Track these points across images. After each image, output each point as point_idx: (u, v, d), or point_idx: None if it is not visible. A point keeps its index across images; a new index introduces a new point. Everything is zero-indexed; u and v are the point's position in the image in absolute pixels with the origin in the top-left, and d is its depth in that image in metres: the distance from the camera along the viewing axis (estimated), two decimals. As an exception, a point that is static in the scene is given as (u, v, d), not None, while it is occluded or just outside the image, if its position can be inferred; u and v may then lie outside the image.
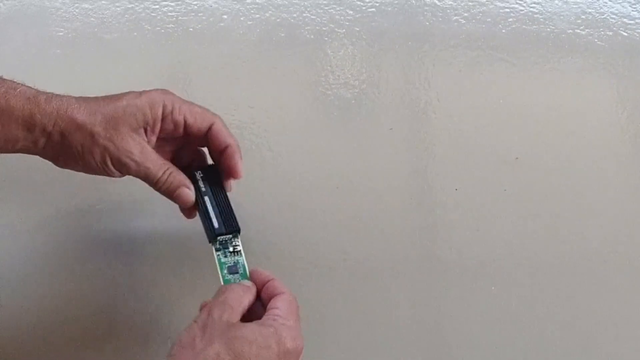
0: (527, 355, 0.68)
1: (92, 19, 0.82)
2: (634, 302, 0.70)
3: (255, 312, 0.60)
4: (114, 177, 0.64)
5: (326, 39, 0.82)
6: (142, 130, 0.64)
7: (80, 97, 0.63)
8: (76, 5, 0.82)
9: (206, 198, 0.66)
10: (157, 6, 0.83)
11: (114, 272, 0.71)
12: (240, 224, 0.66)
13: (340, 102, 0.80)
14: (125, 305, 0.70)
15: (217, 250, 0.65)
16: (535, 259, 0.72)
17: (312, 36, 0.82)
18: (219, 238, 0.64)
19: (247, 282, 0.62)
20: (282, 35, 0.82)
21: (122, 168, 0.63)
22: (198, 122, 0.65)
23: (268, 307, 0.59)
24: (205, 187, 0.66)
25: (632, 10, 0.86)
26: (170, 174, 0.64)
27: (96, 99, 0.64)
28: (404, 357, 0.68)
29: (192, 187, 0.65)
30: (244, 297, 0.60)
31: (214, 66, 0.81)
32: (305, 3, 0.84)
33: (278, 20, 0.83)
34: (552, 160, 0.77)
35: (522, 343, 0.68)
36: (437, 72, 0.81)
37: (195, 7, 0.83)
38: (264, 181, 0.75)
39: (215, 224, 0.65)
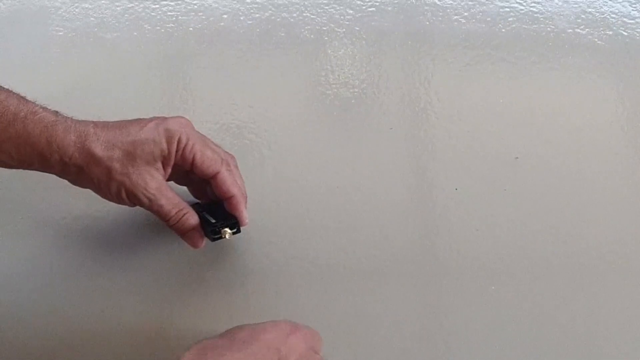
0: (527, 355, 0.68)
1: (92, 18, 0.82)
2: (634, 302, 0.70)
3: None
4: (126, 205, 0.65)
5: (326, 38, 0.82)
6: (159, 164, 0.64)
7: (98, 125, 0.63)
8: (76, 4, 0.83)
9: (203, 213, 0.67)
10: (157, 6, 0.83)
11: (115, 275, 0.71)
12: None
13: (340, 101, 0.80)
14: (128, 308, 0.70)
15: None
16: (535, 259, 0.72)
17: (312, 36, 0.82)
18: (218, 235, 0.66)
19: None
20: (282, 34, 0.82)
21: (136, 201, 0.64)
22: (205, 166, 0.65)
23: None
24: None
25: (632, 10, 0.86)
26: (183, 215, 0.65)
27: (114, 127, 0.63)
28: (404, 356, 0.67)
29: (202, 232, 0.66)
30: None
31: (214, 66, 0.81)
32: (305, 2, 0.84)
33: (278, 19, 0.83)
34: (552, 160, 0.77)
35: (522, 343, 0.68)
36: (437, 72, 0.81)
37: (195, 6, 0.83)
38: (264, 181, 0.75)
39: (212, 220, 0.66)
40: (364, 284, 0.70)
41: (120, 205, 0.65)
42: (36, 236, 0.72)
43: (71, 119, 0.62)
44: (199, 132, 0.66)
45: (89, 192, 0.65)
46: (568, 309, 0.69)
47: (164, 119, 0.65)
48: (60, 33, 0.81)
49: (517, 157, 0.77)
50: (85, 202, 0.71)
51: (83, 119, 0.64)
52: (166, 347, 0.68)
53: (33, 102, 0.62)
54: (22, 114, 0.60)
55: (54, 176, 0.64)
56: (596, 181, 0.76)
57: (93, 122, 0.63)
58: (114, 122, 0.64)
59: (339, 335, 0.68)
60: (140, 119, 0.65)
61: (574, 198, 0.75)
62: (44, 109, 0.62)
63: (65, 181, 0.65)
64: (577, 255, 0.72)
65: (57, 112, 0.62)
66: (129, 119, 0.65)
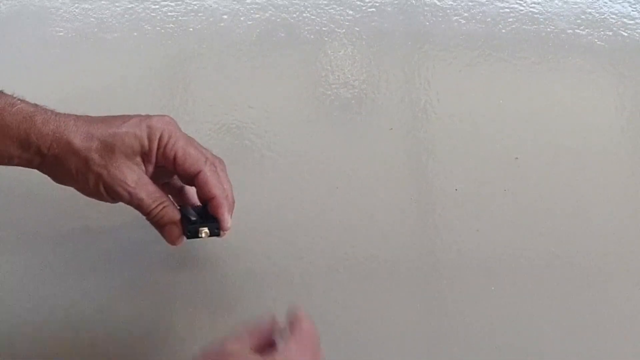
0: (527, 355, 0.67)
1: (92, 19, 0.82)
2: (634, 301, 0.70)
3: None
4: (107, 202, 0.63)
5: (326, 39, 0.82)
6: (139, 159, 0.62)
7: (80, 118, 0.61)
8: (76, 5, 0.83)
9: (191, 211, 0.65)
10: (157, 6, 0.83)
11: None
12: (239, 224, 0.66)
13: (340, 102, 0.80)
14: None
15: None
16: (535, 260, 0.71)
17: (312, 36, 0.83)
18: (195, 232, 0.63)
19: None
20: (282, 35, 0.83)
21: (115, 196, 0.62)
22: (187, 164, 0.62)
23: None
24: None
25: (632, 11, 0.86)
26: (163, 207, 0.63)
27: (97, 120, 0.62)
28: (404, 357, 0.67)
29: (181, 228, 0.63)
30: None
31: (214, 66, 0.81)
32: (305, 3, 0.84)
33: (278, 20, 0.83)
34: (552, 160, 0.77)
35: (522, 343, 0.68)
36: (437, 72, 0.81)
37: (195, 7, 0.84)
38: (264, 181, 0.75)
39: (193, 217, 0.63)
40: (363, 284, 0.70)
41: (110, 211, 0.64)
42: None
43: (52, 111, 0.61)
44: (184, 132, 0.64)
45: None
46: (568, 309, 0.69)
47: (148, 116, 0.63)
48: (61, 33, 0.81)
49: (517, 157, 0.77)
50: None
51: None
52: (165, 349, 0.68)
53: (11, 95, 0.61)
54: (0, 106, 0.59)
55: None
56: (596, 181, 0.76)
57: (75, 115, 0.61)
58: (97, 116, 0.62)
59: (339, 336, 0.68)
60: (124, 115, 0.63)
61: (574, 198, 0.75)
62: (22, 101, 0.61)
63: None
64: (577, 255, 0.72)
65: (36, 104, 0.61)
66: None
